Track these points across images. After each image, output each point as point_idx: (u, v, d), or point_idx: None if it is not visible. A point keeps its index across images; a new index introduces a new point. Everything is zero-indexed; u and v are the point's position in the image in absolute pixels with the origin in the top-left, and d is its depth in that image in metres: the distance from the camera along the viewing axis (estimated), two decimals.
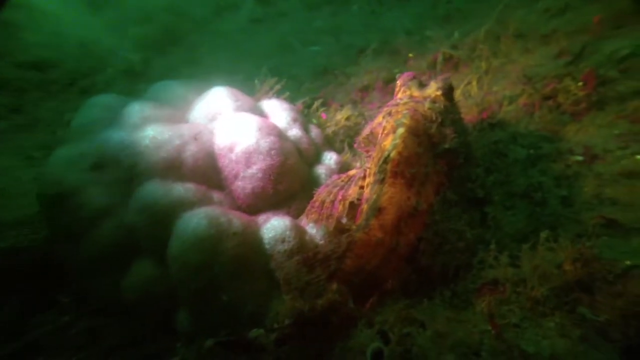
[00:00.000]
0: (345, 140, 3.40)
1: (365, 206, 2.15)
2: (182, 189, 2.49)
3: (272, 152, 2.66)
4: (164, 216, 2.36)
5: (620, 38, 2.78)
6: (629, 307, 1.55)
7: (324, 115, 3.59)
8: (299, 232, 2.53)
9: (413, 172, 2.07)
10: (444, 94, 2.41)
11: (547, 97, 2.91)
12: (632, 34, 2.76)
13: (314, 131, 3.28)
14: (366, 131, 2.46)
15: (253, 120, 2.74)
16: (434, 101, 2.32)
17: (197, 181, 2.63)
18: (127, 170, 2.52)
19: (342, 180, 2.56)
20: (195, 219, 2.31)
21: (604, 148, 2.43)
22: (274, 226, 2.50)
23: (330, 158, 3.14)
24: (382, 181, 2.05)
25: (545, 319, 1.73)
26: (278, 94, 3.64)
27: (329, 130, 3.37)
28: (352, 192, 2.36)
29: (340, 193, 2.46)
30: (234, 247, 2.28)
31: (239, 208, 2.71)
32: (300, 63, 5.28)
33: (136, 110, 2.80)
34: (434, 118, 2.22)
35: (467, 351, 1.64)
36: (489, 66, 3.47)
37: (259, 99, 3.58)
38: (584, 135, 2.54)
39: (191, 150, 2.65)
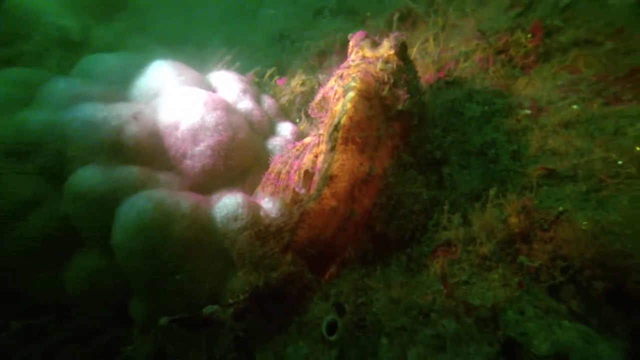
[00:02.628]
0: (302, 109, 3.26)
1: (317, 175, 2.07)
2: (123, 173, 2.31)
3: (220, 127, 2.50)
4: (104, 203, 2.20)
5: None
6: (556, 250, 1.61)
7: (280, 82, 3.40)
8: (252, 208, 2.44)
9: (364, 136, 2.00)
10: (397, 53, 2.29)
11: (500, 51, 2.85)
12: None
13: (267, 102, 3.11)
14: (318, 96, 2.35)
15: (197, 94, 2.54)
16: (386, 61, 2.21)
17: (141, 163, 2.46)
18: (55, 156, 2.29)
19: (297, 150, 2.47)
20: (139, 203, 2.17)
21: (548, 100, 2.44)
22: (225, 204, 2.40)
23: (285, 129, 3.01)
24: (332, 149, 1.97)
25: (490, 272, 1.77)
26: (229, 65, 3.41)
27: (284, 100, 3.21)
28: (307, 160, 2.27)
29: (296, 163, 2.38)
30: (183, 229, 2.18)
31: (190, 188, 2.58)
32: (255, 28, 4.95)
33: (60, 87, 2.52)
34: (385, 79, 2.12)
35: (417, 313, 1.67)
36: (446, 22, 3.35)
37: (208, 71, 3.33)
38: (531, 89, 2.53)
39: (132, 130, 2.45)
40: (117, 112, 2.47)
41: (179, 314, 1.92)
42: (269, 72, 3.38)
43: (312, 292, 1.91)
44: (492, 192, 1.99)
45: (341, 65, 2.41)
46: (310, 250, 1.92)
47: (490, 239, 1.79)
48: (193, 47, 4.85)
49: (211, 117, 2.49)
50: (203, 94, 2.57)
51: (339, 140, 1.97)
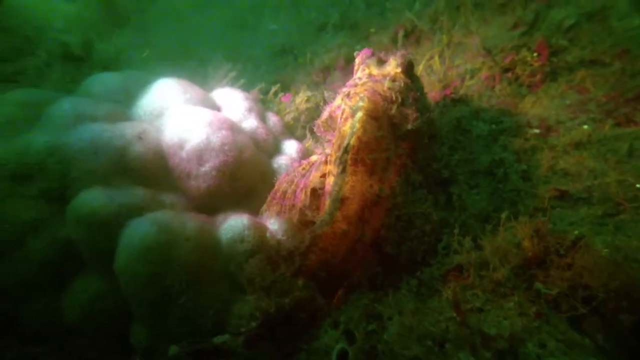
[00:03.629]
0: (306, 126, 3.24)
1: (327, 198, 2.04)
2: (128, 195, 2.27)
3: (225, 147, 2.48)
4: (107, 226, 2.16)
5: (567, 6, 2.74)
6: (575, 278, 1.57)
7: (285, 99, 3.39)
8: (259, 230, 2.40)
9: (373, 158, 1.97)
10: (403, 71, 2.28)
11: (506, 70, 2.86)
12: (576, 1, 2.71)
13: (272, 119, 3.09)
14: (325, 115, 2.34)
15: (202, 114, 2.52)
16: (393, 79, 2.20)
17: (146, 184, 2.43)
18: (58, 178, 2.25)
19: (304, 168, 2.45)
20: (143, 227, 2.13)
21: (557, 119, 2.43)
22: (231, 226, 2.36)
23: (290, 147, 2.99)
24: (343, 171, 1.95)
25: (505, 299, 1.73)
26: (233, 82, 3.41)
27: (289, 117, 3.20)
28: (313, 178, 2.26)
29: (302, 181, 2.36)
30: (187, 253, 2.14)
31: (195, 208, 2.54)
32: (257, 43, 4.98)
33: (65, 108, 2.50)
34: (393, 98, 2.11)
35: (431, 343, 1.61)
36: (450, 39, 3.36)
37: (212, 89, 3.32)
38: (539, 108, 2.52)
39: (136, 151, 2.42)
40: (121, 132, 2.45)
41: (189, 343, 1.88)
42: (273, 89, 3.37)
43: (322, 316, 1.89)
44: (503, 215, 1.95)
45: (347, 83, 2.39)
46: (321, 273, 1.91)
47: (504, 263, 1.74)
48: (195, 63, 4.86)
49: (216, 137, 2.47)
50: (208, 114, 2.55)
51: (349, 162, 1.94)
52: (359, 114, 1.98)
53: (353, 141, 1.93)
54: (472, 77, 3.03)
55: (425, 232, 2.12)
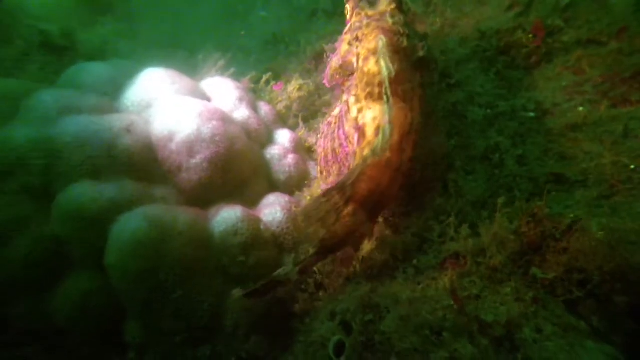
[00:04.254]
0: (299, 115, 3.18)
1: (369, 131, 2.10)
2: (116, 190, 2.21)
3: (217, 138, 2.41)
4: (97, 221, 2.10)
5: None
6: (571, 262, 1.55)
7: (277, 87, 3.31)
8: (253, 222, 2.36)
9: (403, 89, 2.08)
10: (397, 7, 2.37)
11: (501, 52, 2.79)
12: None
13: (264, 109, 3.02)
14: (336, 63, 2.40)
15: (192, 105, 2.45)
16: (392, 15, 2.28)
17: (136, 178, 2.37)
18: (41, 173, 2.18)
19: (335, 123, 2.49)
20: (134, 221, 2.08)
21: (553, 102, 2.38)
22: (224, 219, 2.32)
23: (283, 136, 2.92)
24: (387, 102, 2.03)
25: (502, 285, 1.71)
26: (223, 71, 3.32)
27: (281, 106, 3.12)
28: (349, 126, 2.30)
29: (341, 133, 2.39)
30: (180, 247, 2.10)
31: (187, 201, 2.49)
32: (248, 31, 4.85)
33: (47, 100, 2.41)
34: (401, 31, 2.18)
35: (429, 332, 1.60)
36: (444, 22, 3.27)
37: (202, 78, 3.24)
38: (535, 90, 2.47)
39: (125, 144, 2.35)
40: (108, 125, 2.37)
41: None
42: (264, 78, 3.29)
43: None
44: (500, 200, 1.92)
45: (346, 30, 2.48)
46: (368, 201, 2.03)
47: (501, 250, 1.72)
48: (184, 52, 4.73)
49: (207, 129, 2.40)
50: (198, 104, 2.47)
51: (389, 94, 2.03)
52: (384, 50, 2.07)
53: (387, 74, 2.02)
54: (467, 62, 2.96)
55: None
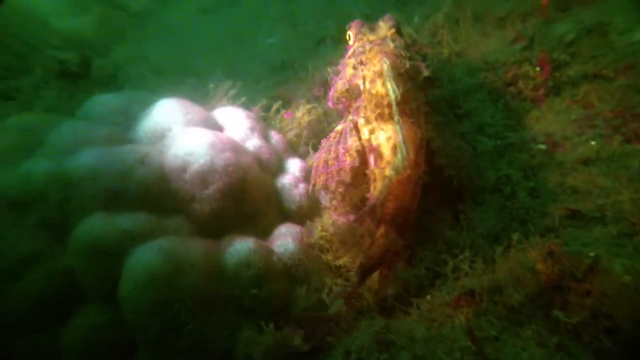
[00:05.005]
0: (309, 143, 3.21)
1: (385, 151, 2.24)
2: (130, 221, 2.23)
3: (229, 169, 2.44)
4: (110, 254, 2.11)
5: (567, 21, 2.74)
6: (596, 306, 1.53)
7: (287, 115, 3.36)
8: (265, 254, 2.36)
9: (410, 107, 2.25)
10: (397, 31, 2.54)
11: (508, 84, 2.85)
12: (575, 16, 2.73)
13: (275, 137, 3.06)
14: (342, 86, 2.53)
15: (205, 136, 2.49)
16: (393, 39, 2.43)
17: (149, 209, 2.38)
18: (58, 206, 2.20)
19: (334, 138, 2.59)
20: (148, 254, 2.09)
21: (562, 135, 2.41)
22: (237, 250, 2.32)
23: (294, 165, 2.95)
24: (398, 122, 2.17)
25: (523, 327, 1.69)
26: (234, 100, 3.38)
27: (292, 134, 3.17)
28: (352, 142, 2.43)
29: (339, 147, 2.49)
30: (193, 280, 2.09)
31: (199, 232, 2.50)
32: (256, 57, 4.96)
33: (65, 132, 2.46)
34: (403, 54, 2.33)
35: None
36: (451, 51, 3.35)
37: (213, 107, 3.30)
38: (544, 123, 2.51)
39: (138, 175, 2.38)
40: (122, 156, 2.41)
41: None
42: (274, 107, 3.34)
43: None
44: (514, 236, 1.92)
45: (349, 55, 2.62)
46: (397, 219, 2.17)
47: (518, 288, 1.71)
48: (194, 79, 4.82)
49: (220, 159, 2.43)
50: (210, 135, 2.51)
51: (398, 114, 2.17)
52: (388, 72, 2.20)
53: (394, 95, 2.16)
54: (475, 92, 3.02)
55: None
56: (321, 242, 2.68)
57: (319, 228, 2.71)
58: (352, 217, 2.25)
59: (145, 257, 2.07)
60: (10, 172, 2.19)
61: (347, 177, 2.41)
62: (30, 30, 5.22)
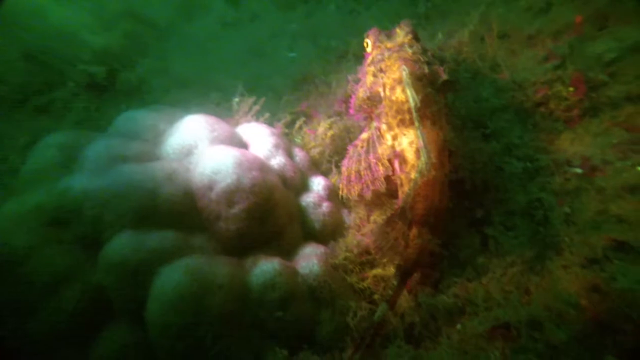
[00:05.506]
0: (332, 160, 3.20)
1: (409, 155, 2.33)
2: (158, 240, 2.25)
3: (256, 188, 2.45)
4: (139, 273, 2.13)
5: (605, 39, 2.65)
6: None
7: (311, 132, 3.36)
8: (290, 275, 2.34)
9: (431, 111, 2.29)
10: (414, 37, 2.61)
11: (538, 104, 2.78)
12: (615, 35, 2.63)
13: (299, 155, 3.07)
14: (363, 94, 2.60)
15: (232, 155, 2.51)
16: (410, 45, 2.51)
17: (175, 227, 2.40)
18: (92, 223, 2.25)
19: (362, 147, 2.63)
20: (176, 275, 2.10)
21: (602, 159, 2.31)
22: (262, 271, 2.31)
23: (318, 184, 2.94)
24: (418, 127, 2.22)
25: None
26: (258, 115, 3.41)
27: (315, 152, 3.16)
28: (382, 151, 2.48)
29: (371, 156, 2.53)
30: (220, 302, 2.09)
31: (224, 250, 2.50)
32: (277, 71, 5.00)
33: (100, 149, 2.52)
34: (421, 59, 2.40)
35: None
36: (476, 70, 3.31)
37: (237, 122, 3.33)
38: (580, 145, 2.42)
39: (166, 192, 2.41)
40: (152, 174, 2.44)
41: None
42: (298, 124, 3.36)
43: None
44: (551, 265, 1.85)
45: (366, 62, 2.72)
46: (429, 219, 2.24)
47: (560, 325, 1.63)
48: (216, 92, 4.90)
49: (247, 179, 2.44)
50: (238, 154, 2.53)
51: (419, 118, 2.22)
52: (408, 79, 2.27)
53: (415, 100, 2.23)
54: (502, 111, 2.96)
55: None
56: (345, 262, 2.65)
57: (343, 248, 2.68)
58: (387, 220, 2.30)
59: (173, 278, 2.08)
60: (50, 189, 2.26)
61: (382, 186, 2.45)
62: (66, 47, 5.45)
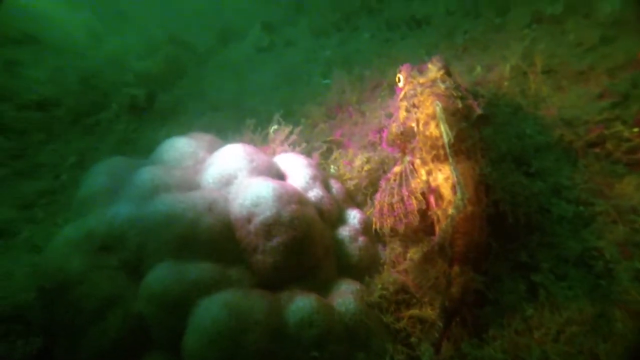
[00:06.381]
0: (367, 193, 3.16)
1: (445, 191, 2.29)
2: (197, 271, 2.26)
3: (295, 222, 2.43)
4: (178, 305, 2.14)
5: None
6: None
7: (347, 163, 3.35)
8: (327, 313, 2.28)
9: (466, 145, 2.29)
10: (446, 72, 2.60)
11: (592, 144, 2.65)
12: None
13: (335, 186, 3.04)
14: (396, 129, 2.61)
15: (271, 187, 2.51)
16: (443, 81, 2.50)
17: (214, 258, 2.40)
18: (136, 250, 2.30)
19: (394, 180, 2.62)
20: (214, 309, 2.08)
21: None
22: (299, 308, 2.26)
23: (354, 217, 2.90)
24: (452, 162, 2.21)
25: None
26: (294, 145, 3.44)
27: (351, 184, 3.13)
28: (415, 184, 2.47)
29: (403, 190, 2.52)
30: (256, 338, 2.05)
31: (260, 283, 2.47)
32: (311, 98, 5.08)
33: (145, 178, 2.60)
34: (455, 94, 2.38)
35: None
36: (518, 106, 3.22)
37: (274, 151, 3.37)
38: None
39: (206, 222, 2.43)
40: (193, 203, 2.48)
41: None
42: (334, 155, 3.36)
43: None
44: (624, 329, 1.69)
45: (399, 97, 2.75)
46: (469, 254, 2.18)
47: None
48: (251, 118, 5.02)
49: (286, 212, 2.43)
50: (277, 187, 2.53)
51: (454, 154, 2.21)
52: (441, 114, 2.26)
53: (449, 136, 2.22)
54: (548, 150, 2.84)
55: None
56: (381, 301, 2.56)
57: (379, 286, 2.60)
58: (424, 255, 2.30)
59: (210, 312, 2.06)
60: (99, 215, 2.36)
61: (415, 220, 2.41)
62: (114, 71, 5.82)
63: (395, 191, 2.55)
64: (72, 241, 2.29)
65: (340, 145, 3.89)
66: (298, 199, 2.55)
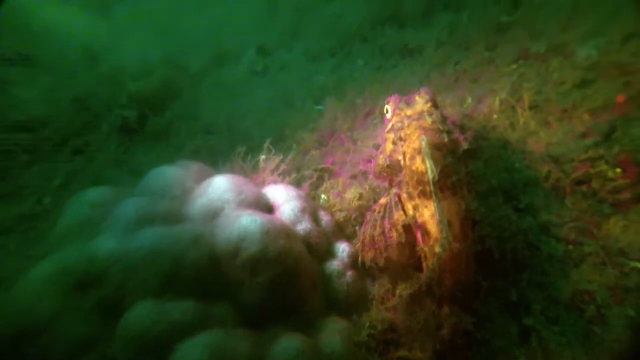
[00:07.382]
0: (357, 224, 3.12)
1: (431, 228, 2.24)
2: (179, 311, 2.17)
3: (282, 257, 2.38)
4: (157, 348, 2.03)
5: None
6: None
7: (337, 194, 3.32)
8: (312, 353, 2.20)
9: (451, 181, 2.25)
10: (433, 105, 2.60)
11: (579, 182, 2.66)
12: None
13: (325, 219, 3.01)
14: (383, 162, 2.59)
15: (259, 222, 2.47)
16: (430, 114, 2.49)
17: (198, 293, 2.32)
18: (116, 288, 2.20)
19: (379, 212, 2.57)
20: (196, 353, 1.99)
21: None
22: (284, 349, 2.18)
23: (342, 250, 2.85)
24: (437, 199, 2.17)
25: None
26: (284, 175, 3.42)
27: (340, 216, 3.10)
28: (398, 217, 2.43)
29: (385, 222, 2.48)
30: None
31: (244, 319, 2.38)
32: (303, 124, 5.10)
33: (129, 210, 2.54)
34: (441, 128, 2.37)
35: None
36: (508, 140, 3.26)
37: (263, 180, 3.34)
38: (636, 235, 2.25)
39: (191, 257, 2.36)
40: (178, 238, 2.42)
41: None
42: (324, 186, 3.34)
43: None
44: None
45: (386, 129, 2.71)
46: (458, 293, 2.14)
47: None
48: (241, 139, 5.00)
49: (273, 248, 2.38)
50: (265, 222, 2.49)
51: (438, 191, 2.17)
52: (426, 150, 2.23)
53: (433, 172, 2.18)
54: (536, 185, 2.85)
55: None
56: (369, 340, 2.48)
57: (367, 324, 2.52)
58: (411, 296, 2.23)
59: (192, 356, 1.97)
60: (78, 251, 2.27)
61: (394, 253, 2.37)
62: (107, 92, 5.82)
63: (378, 223, 2.51)
64: (45, 278, 2.18)
65: (331, 173, 3.87)
66: (286, 233, 2.50)
